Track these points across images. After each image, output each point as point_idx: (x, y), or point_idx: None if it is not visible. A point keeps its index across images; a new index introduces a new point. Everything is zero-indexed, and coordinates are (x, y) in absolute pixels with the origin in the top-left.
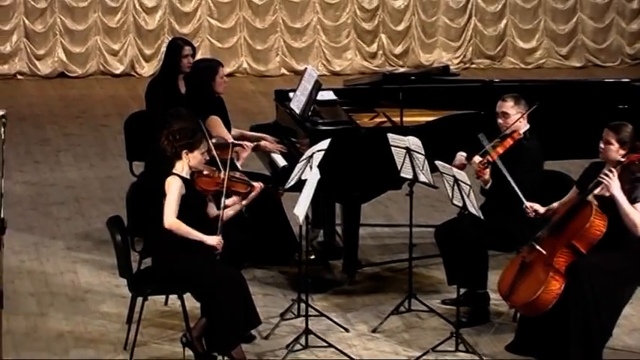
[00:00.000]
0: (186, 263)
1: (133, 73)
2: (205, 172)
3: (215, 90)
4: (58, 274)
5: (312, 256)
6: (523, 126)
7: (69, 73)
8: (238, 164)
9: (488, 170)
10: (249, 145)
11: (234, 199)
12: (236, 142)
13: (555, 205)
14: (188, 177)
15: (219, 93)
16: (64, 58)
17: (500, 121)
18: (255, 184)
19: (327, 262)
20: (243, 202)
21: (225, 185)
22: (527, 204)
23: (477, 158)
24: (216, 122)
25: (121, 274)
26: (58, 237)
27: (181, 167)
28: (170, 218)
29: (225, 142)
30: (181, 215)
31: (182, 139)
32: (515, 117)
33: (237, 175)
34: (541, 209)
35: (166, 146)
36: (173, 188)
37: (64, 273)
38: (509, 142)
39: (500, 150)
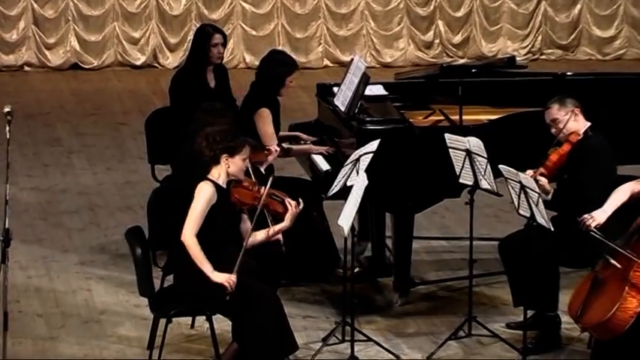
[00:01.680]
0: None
1: (155, 64)
2: (245, 183)
3: (279, 91)
4: (70, 292)
5: (358, 272)
6: (581, 125)
7: (83, 64)
8: (261, 168)
9: (544, 180)
10: (275, 148)
11: (262, 233)
12: (265, 146)
13: None
14: (224, 186)
15: (281, 95)
16: (78, 48)
17: (553, 131)
18: (292, 202)
19: (376, 279)
20: (270, 232)
21: (262, 201)
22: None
23: (529, 172)
24: (266, 116)
25: (142, 292)
26: (70, 250)
27: (217, 174)
28: (188, 233)
29: (256, 143)
30: (207, 225)
31: (222, 142)
32: (565, 119)
33: (279, 193)
34: (601, 217)
35: (204, 149)
36: (202, 196)
37: (76, 291)
38: (566, 147)
39: (554, 158)
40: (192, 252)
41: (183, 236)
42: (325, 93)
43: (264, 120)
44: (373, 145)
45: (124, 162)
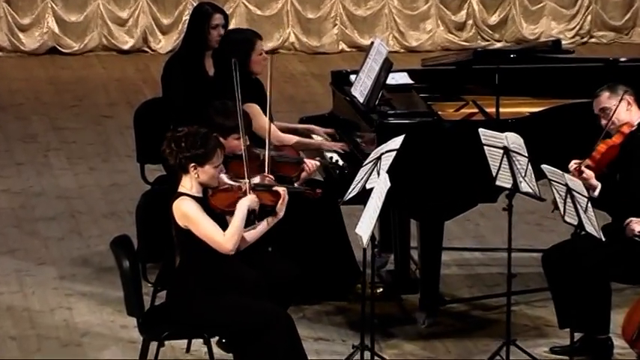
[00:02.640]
0: (214, 298)
1: (145, 48)
2: (222, 187)
3: (251, 70)
4: (47, 311)
5: (380, 289)
6: (635, 116)
7: (62, 48)
8: (296, 184)
9: (589, 173)
10: (314, 164)
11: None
12: (306, 159)
13: None
14: (199, 195)
15: (256, 74)
16: (56, 29)
17: (603, 122)
18: (279, 189)
19: (400, 296)
20: (259, 229)
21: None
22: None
23: (573, 164)
24: (254, 111)
25: (130, 311)
26: (48, 263)
27: (189, 184)
28: (227, 241)
29: (294, 156)
30: (195, 244)
31: (188, 149)
32: (617, 108)
33: (263, 179)
34: None
35: (168, 156)
36: (194, 215)
37: (54, 310)
38: (617, 139)
39: (603, 149)
40: (239, 236)
41: (228, 251)
42: (341, 82)
43: (254, 117)
44: (396, 142)
45: (109, 161)
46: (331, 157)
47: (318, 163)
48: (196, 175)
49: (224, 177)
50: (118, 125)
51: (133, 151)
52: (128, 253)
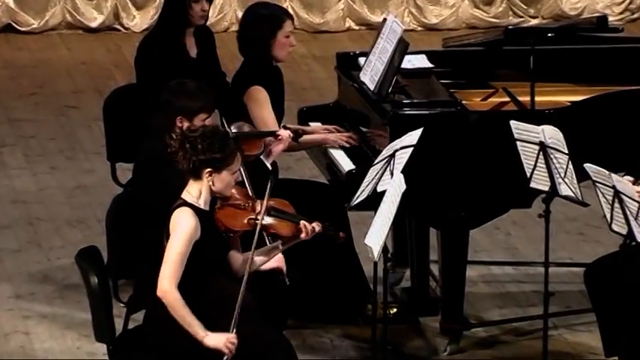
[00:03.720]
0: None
1: (117, 26)
2: (234, 201)
3: (273, 55)
4: (1, 336)
5: (394, 310)
6: None
7: (18, 25)
8: (267, 162)
9: None
10: (286, 134)
11: (264, 255)
12: (272, 131)
13: None
14: (206, 207)
15: (277, 60)
16: (11, 3)
17: None
18: (304, 225)
19: (417, 318)
20: (278, 251)
21: (260, 222)
22: None
23: (628, 179)
24: (260, 96)
25: (98, 336)
26: (2, 279)
27: (197, 191)
28: (167, 285)
29: (254, 130)
30: (191, 264)
31: (205, 151)
32: None
33: (281, 207)
34: None
35: (180, 159)
36: (181, 234)
37: (9, 335)
38: None
39: None
40: (174, 311)
41: (159, 291)
42: (348, 65)
43: (258, 102)
44: (413, 137)
45: (74, 159)
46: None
47: (319, 227)
48: (211, 183)
49: (239, 190)
50: (84, 117)
51: (102, 148)
52: (96, 268)
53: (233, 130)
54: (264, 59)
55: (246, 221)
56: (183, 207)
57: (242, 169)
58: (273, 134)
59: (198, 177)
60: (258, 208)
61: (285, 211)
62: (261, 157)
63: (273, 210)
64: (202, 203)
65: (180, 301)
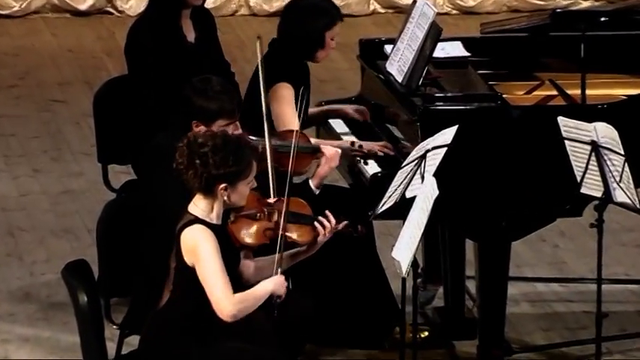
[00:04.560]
0: (202, 348)
1: (109, 9)
2: (247, 211)
3: (316, 55)
4: None
5: (425, 333)
6: None
7: None
8: (312, 184)
9: None
10: (333, 150)
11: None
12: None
13: None
14: (218, 222)
15: (316, 62)
16: None
17: None
18: (320, 224)
19: (451, 342)
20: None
21: (281, 232)
22: None
23: None
24: (285, 93)
25: None
26: None
27: (208, 206)
28: (226, 304)
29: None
30: (196, 281)
31: (218, 167)
32: None
33: (297, 209)
34: None
35: (190, 177)
36: (207, 254)
37: None
38: None
39: None
40: (249, 309)
41: (227, 316)
42: (372, 54)
43: (281, 99)
44: (447, 136)
45: (60, 160)
46: (353, 143)
47: (333, 225)
48: (226, 198)
49: (253, 197)
50: (72, 112)
51: (92, 147)
52: (86, 284)
53: (276, 142)
54: (302, 56)
55: (263, 234)
56: (197, 224)
57: (270, 168)
58: (317, 152)
59: (210, 192)
60: (274, 216)
61: (302, 214)
62: (309, 180)
63: (291, 215)
64: (215, 218)
65: (243, 302)
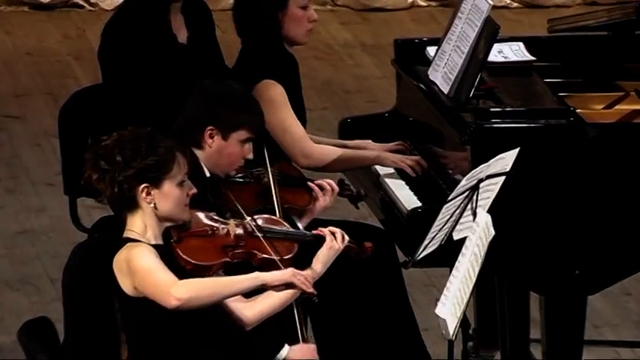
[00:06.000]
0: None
1: (78, 1)
2: (199, 227)
3: (285, 35)
4: None
5: None
6: None
7: None
8: (300, 225)
9: None
10: (331, 185)
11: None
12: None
13: None
14: (157, 241)
15: (292, 41)
16: None
17: None
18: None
19: None
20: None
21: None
22: None
23: None
24: (273, 93)
25: None
26: None
27: (141, 225)
28: (175, 290)
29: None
30: (150, 321)
31: (129, 162)
32: None
33: (274, 225)
34: None
35: (98, 184)
36: (142, 260)
37: None
38: None
39: None
40: (202, 298)
41: (173, 299)
42: (411, 58)
43: (273, 101)
44: (506, 161)
45: (16, 192)
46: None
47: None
48: (152, 204)
49: (201, 216)
50: (31, 131)
51: (57, 176)
52: (48, 348)
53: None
54: (273, 43)
55: (221, 250)
56: (132, 243)
57: (276, 200)
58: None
59: (134, 204)
60: (234, 228)
61: (281, 232)
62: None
63: (266, 232)
64: (152, 237)
65: (194, 283)
